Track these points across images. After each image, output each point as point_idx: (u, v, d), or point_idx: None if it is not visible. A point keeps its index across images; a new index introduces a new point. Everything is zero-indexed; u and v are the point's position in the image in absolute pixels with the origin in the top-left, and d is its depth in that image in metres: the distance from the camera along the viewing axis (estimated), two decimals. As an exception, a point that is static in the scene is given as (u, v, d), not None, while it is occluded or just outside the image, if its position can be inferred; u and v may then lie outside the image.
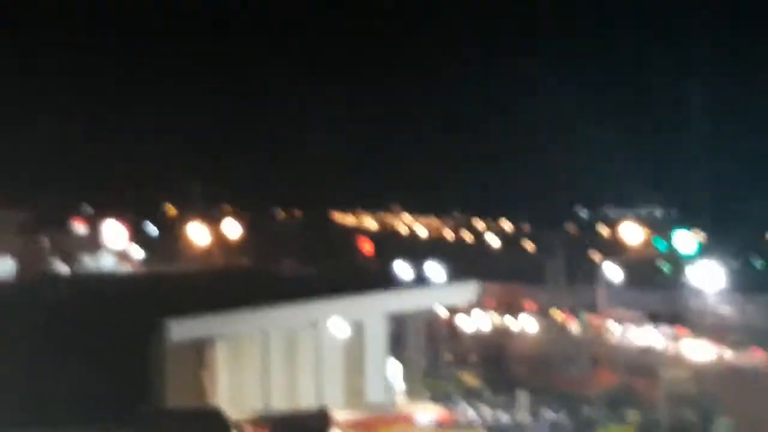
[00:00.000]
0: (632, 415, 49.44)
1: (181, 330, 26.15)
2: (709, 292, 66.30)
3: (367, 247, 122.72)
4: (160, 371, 23.63)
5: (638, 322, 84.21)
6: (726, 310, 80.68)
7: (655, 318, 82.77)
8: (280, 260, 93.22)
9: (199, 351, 29.30)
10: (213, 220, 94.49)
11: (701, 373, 55.08)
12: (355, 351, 31.60)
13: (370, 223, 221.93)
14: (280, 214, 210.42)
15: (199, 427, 6.91)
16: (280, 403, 29.31)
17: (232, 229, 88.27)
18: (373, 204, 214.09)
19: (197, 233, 75.00)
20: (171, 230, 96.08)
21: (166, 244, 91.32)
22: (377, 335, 31.66)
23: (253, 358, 30.00)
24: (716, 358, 62.88)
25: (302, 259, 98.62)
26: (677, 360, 58.14)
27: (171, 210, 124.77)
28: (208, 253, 75.47)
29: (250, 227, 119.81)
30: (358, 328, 31.50)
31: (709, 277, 62.33)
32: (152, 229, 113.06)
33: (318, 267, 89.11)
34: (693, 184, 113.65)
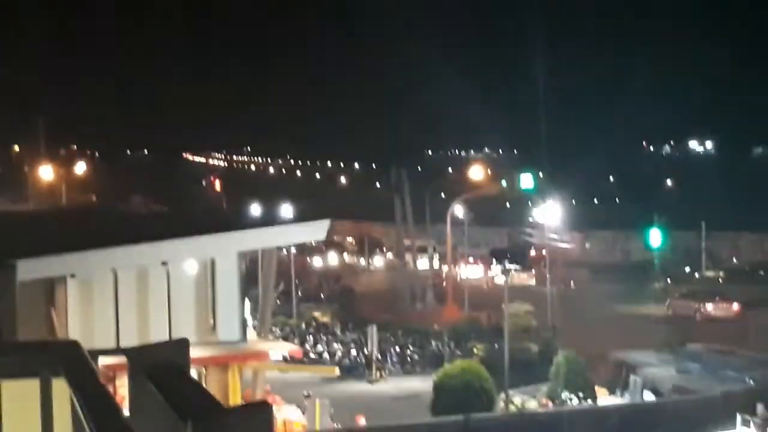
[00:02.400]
0: (477, 349, 51.10)
1: (29, 269, 25.83)
2: (549, 228, 68.63)
3: (217, 185, 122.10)
4: (8, 311, 23.39)
5: (482, 258, 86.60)
6: (565, 245, 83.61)
7: (498, 254, 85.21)
8: (129, 198, 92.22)
9: (48, 290, 28.99)
10: (60, 159, 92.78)
11: (542, 307, 57.16)
12: (206, 289, 31.71)
13: (220, 162, 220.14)
14: (129, 153, 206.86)
15: (57, 356, 7.02)
16: (131, 342, 29.30)
17: (80, 167, 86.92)
18: (225, 145, 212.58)
19: (44, 172, 73.60)
20: (17, 169, 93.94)
21: (12, 184, 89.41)
22: (229, 273, 31.78)
23: (103, 296, 29.82)
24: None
25: (152, 197, 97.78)
26: (519, 294, 59.98)
27: (17, 149, 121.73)
28: (55, 191, 74.23)
29: (98, 166, 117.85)
30: (210, 267, 31.61)
31: (549, 215, 64.57)
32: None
33: (168, 205, 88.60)
34: (533, 128, 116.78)
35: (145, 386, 8.36)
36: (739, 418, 28.93)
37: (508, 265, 61.62)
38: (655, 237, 57.04)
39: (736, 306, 63.33)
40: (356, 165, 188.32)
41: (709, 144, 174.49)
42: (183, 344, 10.70)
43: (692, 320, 60.85)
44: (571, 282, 75.93)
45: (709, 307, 63.32)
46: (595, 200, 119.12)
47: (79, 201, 78.96)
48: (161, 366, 8.53)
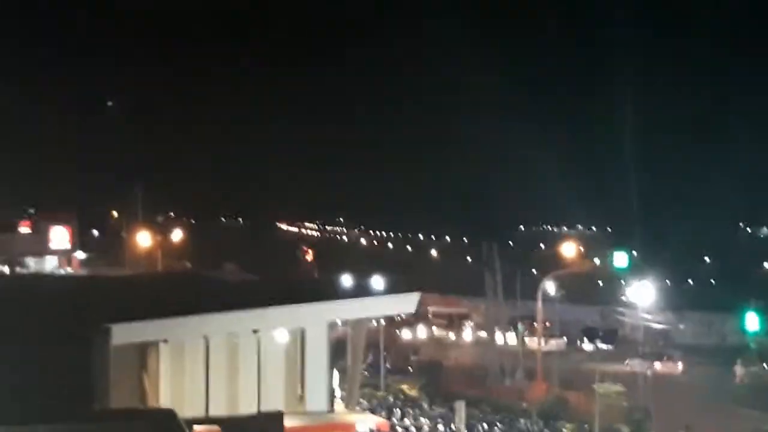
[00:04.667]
0: (567, 429, 50.27)
1: (123, 333, 26.29)
2: (642, 308, 67.67)
3: (309, 255, 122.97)
4: (102, 374, 23.82)
5: (573, 336, 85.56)
6: (658, 326, 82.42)
7: (590, 333, 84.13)
8: (222, 265, 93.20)
9: (141, 354, 29.43)
10: (157, 226, 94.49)
11: (634, 387, 56.14)
12: (295, 358, 31.88)
13: (313, 232, 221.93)
14: (224, 221, 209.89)
15: (154, 426, 7.07)
16: (220, 409, 29.55)
17: (176, 234, 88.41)
18: (317, 216, 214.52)
19: (141, 238, 74.97)
20: (115, 235, 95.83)
21: (110, 249, 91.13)
22: (318, 344, 31.93)
23: (194, 362, 30.14)
24: (647, 372, 64.78)
25: (245, 265, 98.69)
26: (610, 374, 59.07)
27: (116, 215, 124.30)
28: (151, 257, 75.44)
29: (193, 233, 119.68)
30: (300, 336, 31.80)
31: (642, 295, 63.61)
32: (97, 234, 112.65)
33: (260, 274, 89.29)
34: (628, 207, 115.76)
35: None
36: None
37: (599, 345, 60.89)
38: (752, 320, 55.81)
39: (680, 365, 74.20)
40: (447, 238, 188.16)
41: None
42: (277, 417, 10.79)
43: (645, 376, 64.97)
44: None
45: (658, 365, 70.86)
46: (690, 281, 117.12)
47: (174, 267, 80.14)
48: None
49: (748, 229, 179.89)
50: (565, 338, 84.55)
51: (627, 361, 72.20)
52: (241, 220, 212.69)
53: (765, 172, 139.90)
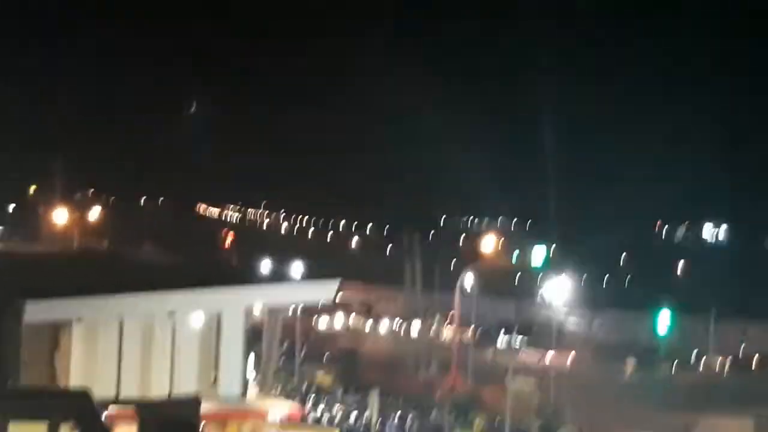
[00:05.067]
0: (478, 421, 50.69)
1: (36, 311, 25.90)
2: (558, 304, 68.53)
3: (228, 239, 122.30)
4: (14, 352, 23.46)
5: (489, 330, 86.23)
6: (573, 323, 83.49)
7: (505, 327, 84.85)
8: (140, 246, 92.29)
9: (53, 334, 29.02)
10: (75, 203, 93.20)
11: (546, 383, 56.85)
12: (210, 343, 31.68)
13: (233, 216, 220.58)
14: (143, 200, 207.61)
15: (68, 403, 6.94)
16: (132, 391, 29.26)
17: (94, 212, 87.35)
18: (238, 199, 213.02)
19: (58, 214, 73.95)
20: (32, 210, 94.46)
21: (26, 224, 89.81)
22: (234, 329, 31.75)
23: (107, 344, 29.78)
24: (560, 369, 65.59)
25: (163, 246, 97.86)
26: (523, 369, 59.70)
27: (33, 190, 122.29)
28: (68, 234, 74.45)
29: (112, 212, 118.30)
30: (215, 321, 31.60)
31: (559, 291, 64.49)
32: (13, 209, 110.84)
33: (178, 256, 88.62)
34: (549, 203, 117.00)
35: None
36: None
37: (514, 339, 61.63)
38: (663, 320, 57.07)
39: (570, 358, 74.95)
40: (369, 226, 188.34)
41: (723, 230, 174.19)
42: (195, 403, 10.69)
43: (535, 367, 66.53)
44: None
45: (548, 358, 71.77)
46: (607, 279, 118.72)
47: (91, 246, 79.16)
48: (172, 423, 8.55)
49: (666, 228, 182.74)
50: (480, 331, 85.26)
51: (521, 352, 74.09)
52: (161, 200, 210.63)
53: (686, 171, 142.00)
